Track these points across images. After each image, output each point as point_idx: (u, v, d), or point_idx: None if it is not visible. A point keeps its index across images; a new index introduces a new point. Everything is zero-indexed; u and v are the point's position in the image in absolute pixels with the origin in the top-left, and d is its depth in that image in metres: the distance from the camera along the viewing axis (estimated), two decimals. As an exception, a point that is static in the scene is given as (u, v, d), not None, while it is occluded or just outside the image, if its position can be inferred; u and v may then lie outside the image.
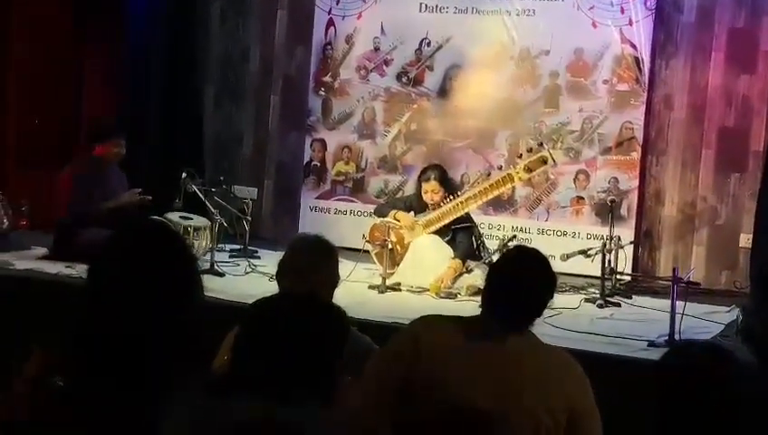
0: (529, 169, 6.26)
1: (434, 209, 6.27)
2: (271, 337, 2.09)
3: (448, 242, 6.20)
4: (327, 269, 3.22)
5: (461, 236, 6.21)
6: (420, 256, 6.11)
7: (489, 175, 6.50)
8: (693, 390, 2.01)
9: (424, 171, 6.48)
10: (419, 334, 2.86)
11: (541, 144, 6.46)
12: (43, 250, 6.37)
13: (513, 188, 6.91)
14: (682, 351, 2.20)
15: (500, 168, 6.65)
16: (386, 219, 6.35)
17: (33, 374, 2.23)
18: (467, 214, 6.28)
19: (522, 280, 2.85)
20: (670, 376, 2.08)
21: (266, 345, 2.08)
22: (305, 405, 2.02)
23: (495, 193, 6.34)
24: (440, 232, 6.24)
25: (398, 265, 6.18)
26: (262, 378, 2.04)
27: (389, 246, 6.08)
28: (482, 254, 6.20)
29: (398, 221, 6.34)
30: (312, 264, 3.18)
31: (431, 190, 6.26)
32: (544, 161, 6.26)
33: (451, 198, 6.23)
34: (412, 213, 6.38)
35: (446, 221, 6.21)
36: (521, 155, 6.41)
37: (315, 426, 2.00)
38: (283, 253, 3.32)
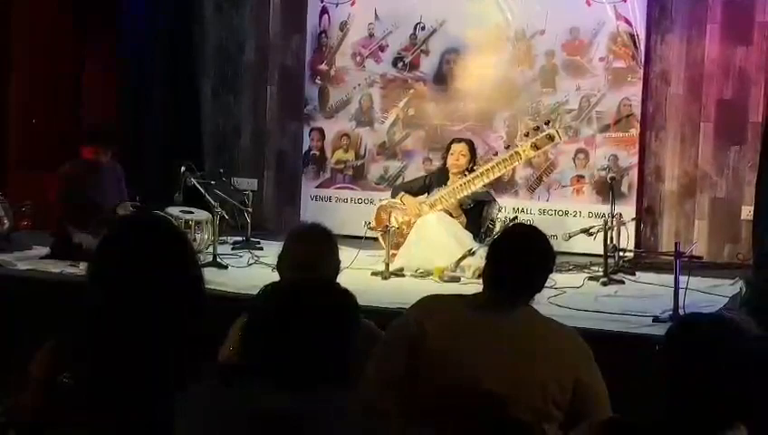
0: (536, 147, 6.28)
1: (455, 175, 6.30)
2: (281, 323, 2.07)
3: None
4: (327, 256, 3.21)
5: (475, 210, 6.27)
6: (425, 234, 6.09)
7: (496, 154, 6.52)
8: (700, 361, 2.01)
9: (457, 137, 6.65)
10: (422, 315, 2.87)
11: (547, 122, 6.47)
12: (45, 250, 6.36)
13: (514, 169, 6.90)
14: (688, 323, 2.20)
15: (507, 147, 6.61)
16: (392, 200, 6.37)
17: (40, 373, 2.24)
18: (488, 191, 6.31)
19: (519, 252, 2.89)
20: (677, 349, 2.07)
21: (277, 332, 2.06)
22: (318, 392, 2.02)
23: (503, 170, 6.35)
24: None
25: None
26: (274, 365, 2.03)
27: (394, 227, 6.09)
28: (485, 235, 6.19)
29: (404, 204, 6.37)
30: (311, 252, 3.17)
31: (459, 152, 6.35)
32: (551, 138, 6.28)
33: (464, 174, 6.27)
34: (425, 195, 6.41)
35: (453, 200, 6.23)
36: (527, 133, 6.41)
37: (329, 412, 2.00)
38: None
